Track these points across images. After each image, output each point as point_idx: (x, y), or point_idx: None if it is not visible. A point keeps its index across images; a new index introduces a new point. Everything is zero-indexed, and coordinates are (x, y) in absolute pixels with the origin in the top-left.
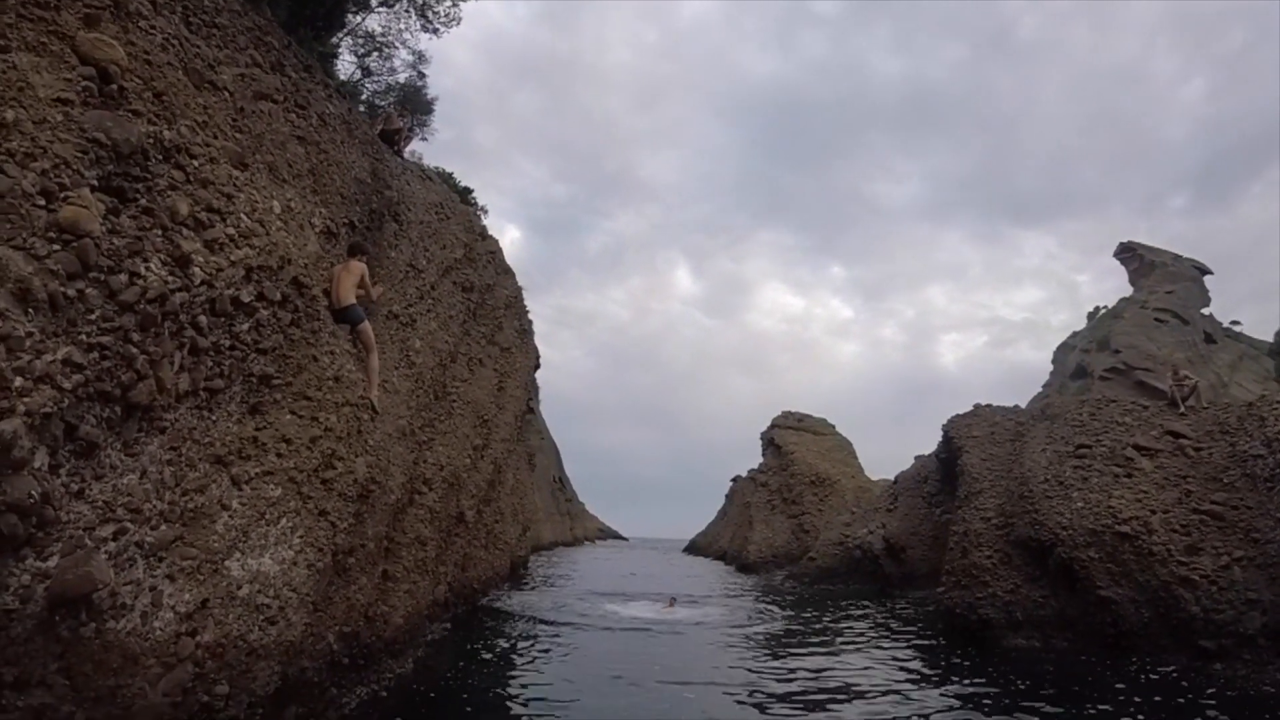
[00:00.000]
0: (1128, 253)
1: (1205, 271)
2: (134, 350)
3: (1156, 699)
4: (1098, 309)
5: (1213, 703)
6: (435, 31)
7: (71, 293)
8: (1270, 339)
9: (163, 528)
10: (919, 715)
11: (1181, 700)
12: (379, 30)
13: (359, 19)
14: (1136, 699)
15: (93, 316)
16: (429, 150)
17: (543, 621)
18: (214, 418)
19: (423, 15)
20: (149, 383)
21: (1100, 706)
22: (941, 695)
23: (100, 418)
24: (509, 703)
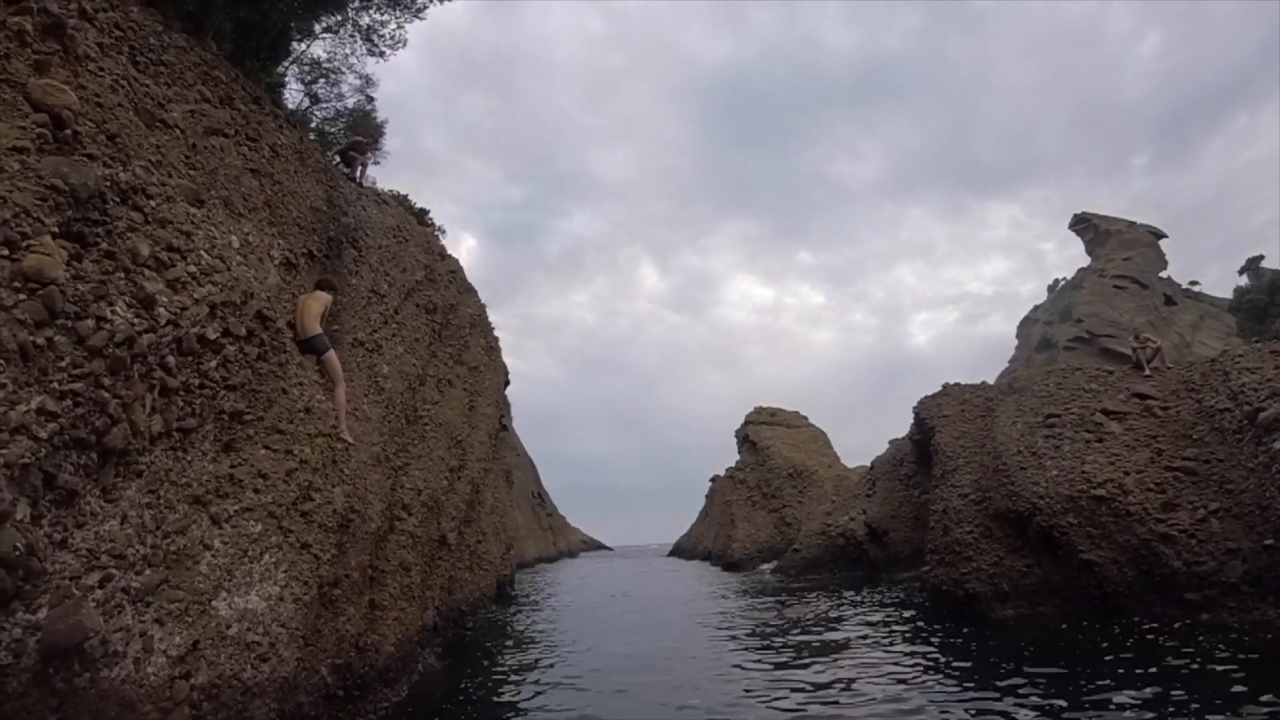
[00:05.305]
0: (1083, 223)
1: (1160, 235)
2: (106, 395)
3: (1147, 656)
4: (1057, 281)
5: (1197, 653)
6: (381, 55)
7: (41, 341)
8: (1231, 295)
9: (147, 572)
10: (915, 694)
11: (1168, 651)
12: (325, 57)
13: (304, 47)
14: (1125, 657)
15: (63, 364)
16: (379, 168)
17: (532, 638)
18: (189, 458)
19: (368, 39)
20: (123, 427)
21: (1091, 667)
22: (935, 672)
23: (78, 465)
24: None
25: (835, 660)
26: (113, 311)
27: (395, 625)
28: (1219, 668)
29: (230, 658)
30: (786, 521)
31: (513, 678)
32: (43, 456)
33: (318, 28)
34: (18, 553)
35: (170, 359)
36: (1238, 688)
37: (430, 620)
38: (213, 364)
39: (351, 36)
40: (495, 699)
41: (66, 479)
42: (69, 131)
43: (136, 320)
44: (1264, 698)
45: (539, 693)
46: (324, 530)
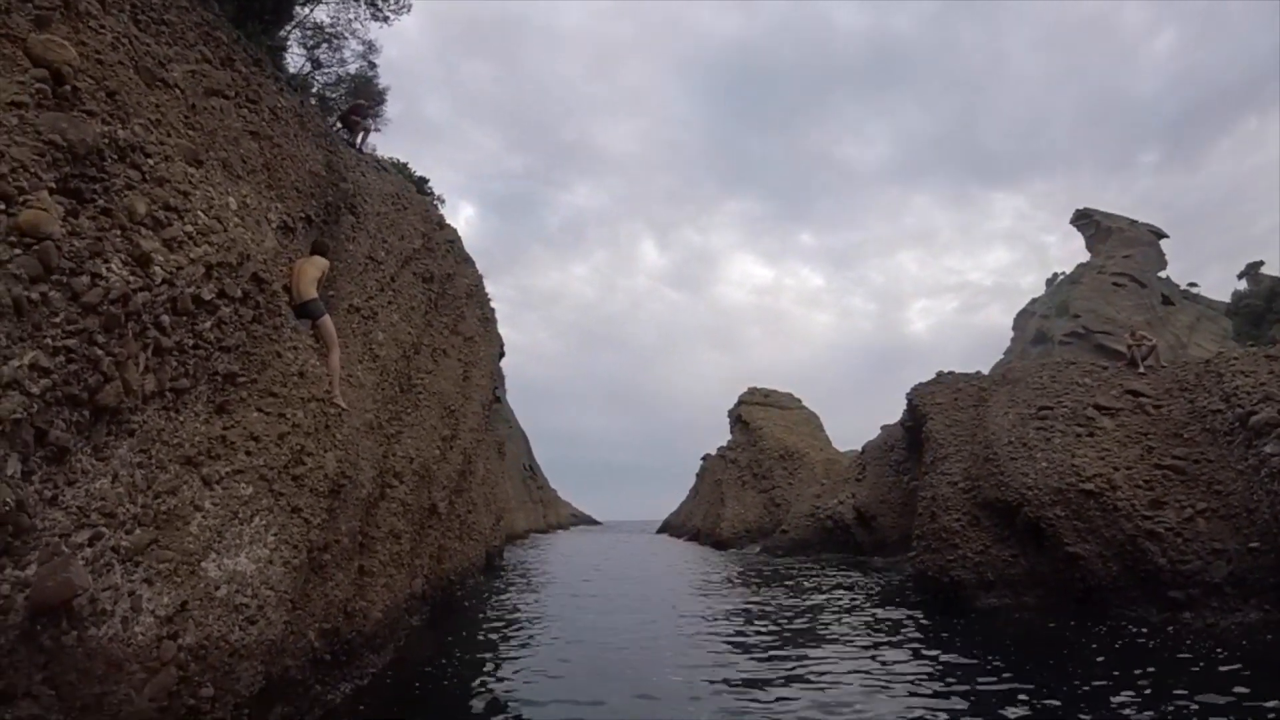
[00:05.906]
0: (1084, 219)
1: (1161, 235)
2: (99, 352)
3: (1127, 651)
4: (1056, 275)
5: (1179, 649)
6: (385, 20)
7: (35, 296)
8: (1229, 299)
9: (137, 531)
10: (895, 679)
11: (1150, 646)
12: (328, 21)
13: (307, 11)
14: (1107, 650)
15: (57, 319)
16: (379, 134)
17: (518, 607)
18: (181, 418)
19: (372, 4)
20: (116, 385)
21: (1073, 659)
22: (916, 659)
23: (69, 422)
24: (489, 689)
25: (816, 643)
26: (108, 269)
27: (384, 592)
28: (1201, 665)
29: (218, 619)
30: (776, 502)
31: (497, 648)
32: (35, 412)
33: None
34: (7, 508)
35: (165, 318)
36: (1221, 686)
37: (418, 588)
38: (207, 325)
39: (355, 1)
40: (479, 667)
41: (58, 435)
42: (68, 88)
43: (132, 278)
44: (1237, 689)
45: (521, 663)
46: (315, 495)
